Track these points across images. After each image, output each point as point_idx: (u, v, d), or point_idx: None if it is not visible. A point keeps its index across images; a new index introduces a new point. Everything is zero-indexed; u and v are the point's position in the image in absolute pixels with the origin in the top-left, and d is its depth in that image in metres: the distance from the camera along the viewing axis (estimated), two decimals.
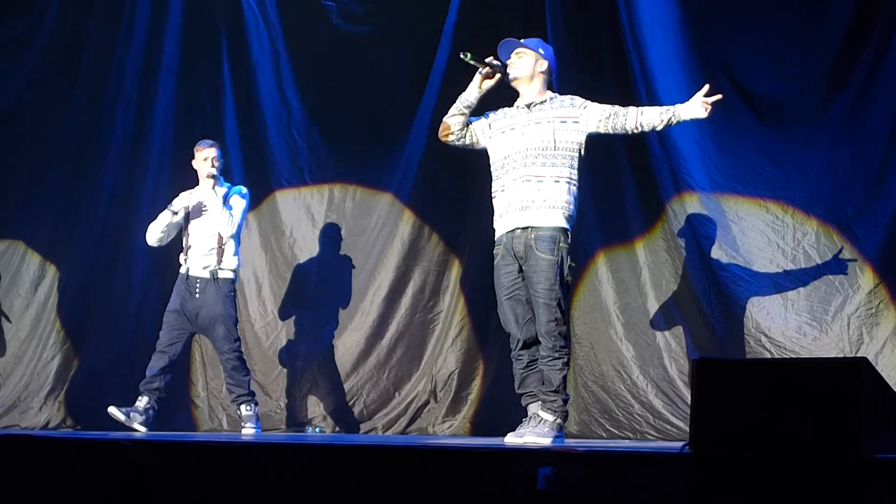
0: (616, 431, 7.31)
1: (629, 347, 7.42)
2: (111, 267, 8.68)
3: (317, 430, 8.17)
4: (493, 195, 5.90)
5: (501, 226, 5.82)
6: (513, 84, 5.92)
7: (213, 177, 7.51)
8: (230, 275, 7.54)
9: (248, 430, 7.45)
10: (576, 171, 5.77)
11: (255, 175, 8.77)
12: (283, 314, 8.62)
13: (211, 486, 4.68)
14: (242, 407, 7.51)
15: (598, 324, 7.55)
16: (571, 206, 5.72)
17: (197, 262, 7.52)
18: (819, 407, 3.67)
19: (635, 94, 7.40)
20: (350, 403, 8.26)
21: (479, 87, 5.87)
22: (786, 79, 7.27)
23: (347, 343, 8.39)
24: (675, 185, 7.33)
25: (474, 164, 7.54)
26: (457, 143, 6.01)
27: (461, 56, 5.86)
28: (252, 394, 7.58)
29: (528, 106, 5.85)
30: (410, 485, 4.28)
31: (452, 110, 5.97)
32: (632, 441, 7.02)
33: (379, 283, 8.38)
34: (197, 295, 7.48)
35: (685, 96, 7.23)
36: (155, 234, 7.62)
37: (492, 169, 5.94)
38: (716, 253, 7.21)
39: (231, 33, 8.89)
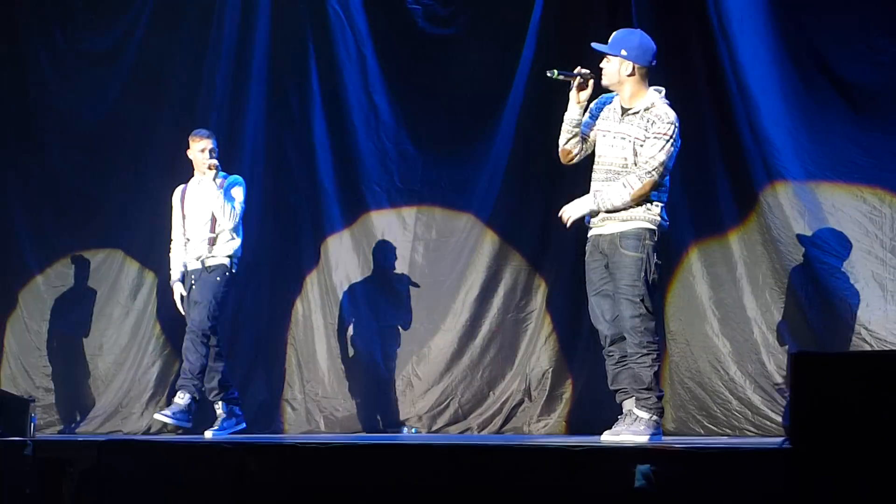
0: (714, 428, 7.23)
1: (726, 343, 7.32)
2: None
3: (412, 430, 8.20)
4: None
5: (591, 227, 5.83)
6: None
7: (215, 167, 7.42)
8: (223, 261, 7.41)
9: (164, 417, 7.28)
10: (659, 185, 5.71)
11: (345, 180, 8.83)
12: (376, 316, 8.66)
13: (309, 488, 4.73)
14: (178, 394, 7.31)
15: (693, 319, 7.46)
16: (655, 215, 5.67)
17: (192, 254, 7.48)
18: None
19: (726, 88, 7.33)
20: (444, 404, 8.27)
21: (578, 102, 5.81)
22: (878, 66, 7.12)
23: (440, 344, 8.40)
24: (768, 176, 7.21)
25: (559, 157, 7.52)
26: (583, 158, 5.98)
27: (548, 75, 5.82)
28: (191, 381, 7.29)
29: (623, 112, 5.79)
30: (508, 484, 4.29)
31: (564, 134, 5.90)
32: (730, 438, 6.94)
33: (470, 284, 8.38)
34: (193, 287, 7.43)
35: (776, 87, 7.22)
36: None
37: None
38: (812, 245, 7.09)
39: (318, 40, 8.94)
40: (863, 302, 6.95)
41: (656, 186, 5.62)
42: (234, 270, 7.48)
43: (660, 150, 5.59)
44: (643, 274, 5.59)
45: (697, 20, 7.51)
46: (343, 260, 8.77)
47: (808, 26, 7.30)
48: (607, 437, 5.57)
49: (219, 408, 7.41)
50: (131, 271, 9.05)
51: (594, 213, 5.74)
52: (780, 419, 6.89)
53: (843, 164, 7.13)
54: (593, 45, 5.87)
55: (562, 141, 5.93)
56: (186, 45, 9.19)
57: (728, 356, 7.29)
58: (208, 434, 7.23)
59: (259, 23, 9.02)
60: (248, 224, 8.89)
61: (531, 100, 8.10)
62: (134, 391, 8.81)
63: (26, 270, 9.45)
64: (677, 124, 5.67)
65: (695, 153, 7.14)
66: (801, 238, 7.11)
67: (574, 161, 5.98)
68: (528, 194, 8.27)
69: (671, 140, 5.61)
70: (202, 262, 7.38)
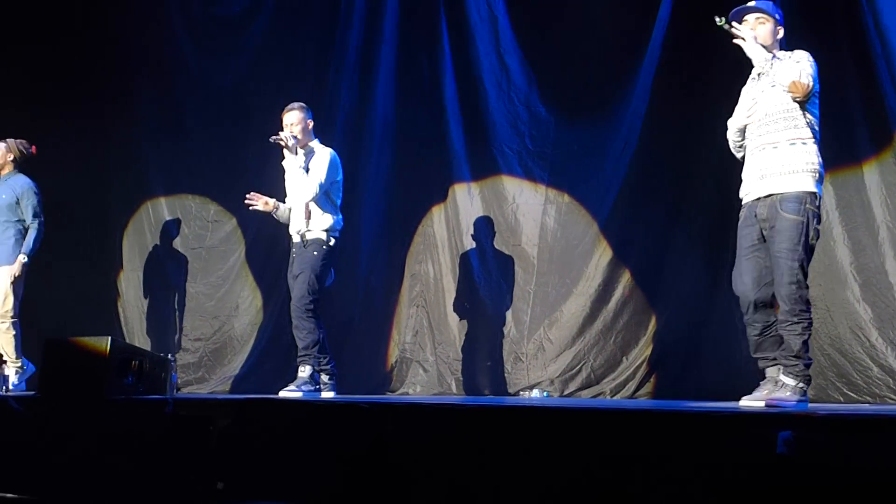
0: (854, 395, 7.09)
1: (867, 309, 7.17)
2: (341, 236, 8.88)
3: (544, 394, 8.18)
4: None
5: (745, 192, 5.70)
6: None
7: (294, 141, 7.28)
8: (321, 235, 7.29)
9: (289, 392, 7.08)
10: (810, 130, 5.56)
11: (476, 143, 8.84)
12: (507, 280, 8.66)
13: (443, 448, 4.76)
14: (299, 368, 7.23)
15: (833, 285, 7.32)
16: (814, 166, 5.52)
17: (293, 226, 7.41)
18: None
19: (869, 51, 7.13)
20: (577, 368, 8.24)
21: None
22: None
23: (573, 308, 8.37)
24: None
25: (698, 119, 7.40)
26: None
27: (716, 20, 5.69)
28: (309, 356, 7.22)
29: (759, 75, 5.69)
30: (645, 449, 4.25)
31: (736, 151, 5.85)
32: (871, 405, 6.80)
33: (603, 248, 8.33)
34: (293, 257, 7.37)
35: None
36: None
37: None
38: None
39: (449, 1, 8.94)
40: None
41: (810, 95, 5.46)
42: (331, 244, 7.34)
43: (803, 62, 5.48)
44: (803, 238, 5.46)
45: None
46: (474, 223, 8.77)
47: None
48: (746, 402, 5.47)
49: (304, 371, 7.23)
50: (265, 235, 9.15)
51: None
52: None
53: None
54: (745, 6, 5.73)
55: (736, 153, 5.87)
56: (318, 8, 9.26)
57: (869, 322, 7.15)
58: (283, 392, 7.11)
59: None
60: (377, 187, 8.97)
61: (667, 60, 8.00)
62: (270, 352, 8.96)
63: (165, 230, 9.72)
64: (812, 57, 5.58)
65: (837, 114, 6.97)
66: None
67: None
68: (665, 153, 8.15)
69: (810, 61, 5.51)
70: (301, 237, 7.33)
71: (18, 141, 8.45)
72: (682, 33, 7.94)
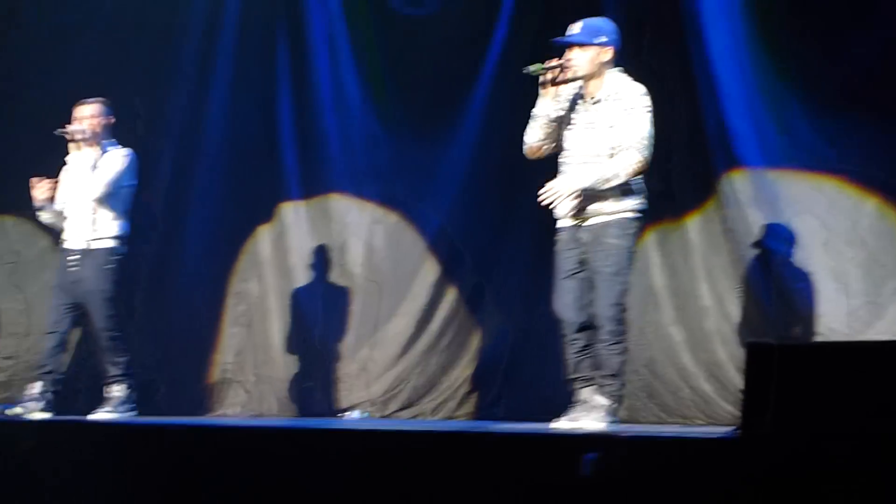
0: (665, 416, 7.23)
1: (679, 331, 7.31)
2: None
3: (364, 414, 8.14)
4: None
5: (563, 219, 5.71)
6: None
7: (87, 135, 7.01)
8: (111, 243, 7.01)
9: (106, 413, 6.88)
10: None
11: (308, 160, 8.76)
12: (332, 300, 8.57)
13: (262, 470, 4.69)
14: (114, 387, 7.00)
15: (647, 307, 7.42)
16: (635, 197, 5.60)
17: (73, 232, 7.06)
18: (873, 390, 3.59)
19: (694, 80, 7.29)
20: (398, 388, 8.22)
21: (556, 96, 5.70)
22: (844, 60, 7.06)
23: (398, 328, 8.34)
24: (726, 162, 7.18)
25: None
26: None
27: (524, 72, 5.66)
28: (128, 375, 7.05)
29: (591, 100, 5.69)
30: (458, 470, 4.25)
31: (536, 130, 5.77)
32: (680, 426, 6.93)
33: (430, 267, 8.32)
34: (73, 268, 7.01)
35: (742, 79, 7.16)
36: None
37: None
38: (769, 234, 7.07)
39: (288, 17, 8.86)
40: (819, 294, 6.93)
41: (647, 164, 5.52)
42: (122, 253, 7.06)
43: (643, 123, 5.52)
44: (627, 262, 5.55)
45: (672, 19, 7.42)
46: (301, 242, 8.69)
47: (780, 21, 7.23)
48: (563, 424, 5.49)
49: (119, 391, 7.02)
50: None
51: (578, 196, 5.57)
52: (731, 408, 6.84)
53: (803, 154, 7.10)
54: (563, 39, 5.72)
55: (533, 137, 5.81)
56: (153, 20, 9.04)
57: (681, 344, 7.28)
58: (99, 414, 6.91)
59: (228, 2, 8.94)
60: (206, 204, 8.82)
61: (502, 81, 8.02)
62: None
63: None
64: (648, 95, 5.60)
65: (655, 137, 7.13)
66: (757, 228, 7.10)
67: (541, 156, 5.88)
68: (493, 179, 8.18)
69: (649, 110, 5.55)
70: (87, 244, 6.99)
71: None
72: (517, 53, 7.98)
